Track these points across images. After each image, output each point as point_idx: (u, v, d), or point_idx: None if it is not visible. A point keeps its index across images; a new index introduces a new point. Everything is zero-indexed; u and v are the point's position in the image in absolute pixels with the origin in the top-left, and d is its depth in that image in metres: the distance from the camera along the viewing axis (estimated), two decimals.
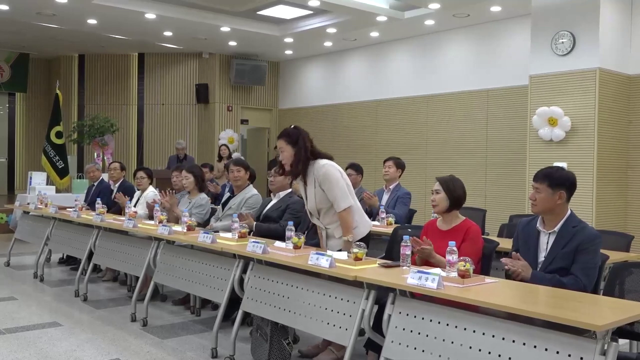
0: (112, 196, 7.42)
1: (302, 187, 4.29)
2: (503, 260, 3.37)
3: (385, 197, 6.30)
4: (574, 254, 3.25)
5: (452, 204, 3.88)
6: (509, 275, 3.37)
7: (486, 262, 3.81)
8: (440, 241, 3.82)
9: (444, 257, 3.36)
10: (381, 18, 9.62)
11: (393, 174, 6.31)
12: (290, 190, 5.36)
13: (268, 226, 5.10)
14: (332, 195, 4.08)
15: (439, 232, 3.92)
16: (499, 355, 2.70)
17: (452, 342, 2.88)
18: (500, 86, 9.47)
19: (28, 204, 8.44)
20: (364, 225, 4.23)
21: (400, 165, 6.37)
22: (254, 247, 4.06)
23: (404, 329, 3.12)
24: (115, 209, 7.12)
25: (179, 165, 7.78)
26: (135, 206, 6.71)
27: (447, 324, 2.94)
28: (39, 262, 7.08)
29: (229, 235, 4.69)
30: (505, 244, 4.16)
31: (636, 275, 3.20)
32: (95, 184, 7.89)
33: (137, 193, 7.05)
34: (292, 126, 4.38)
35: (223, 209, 5.86)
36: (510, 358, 2.66)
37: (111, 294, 6.34)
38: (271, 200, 5.41)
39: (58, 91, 11.91)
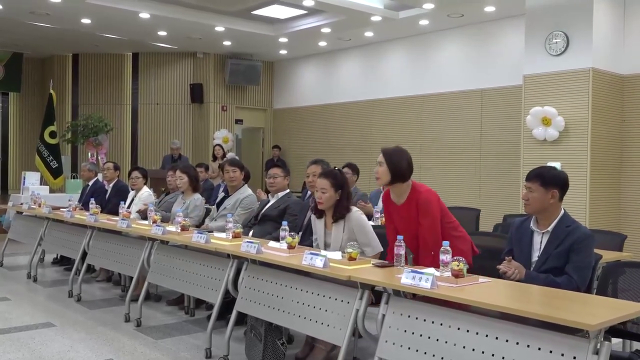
0: (107, 196, 7.41)
1: (319, 223, 4.29)
2: (498, 267, 3.37)
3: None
4: (567, 254, 3.26)
5: (394, 177, 3.80)
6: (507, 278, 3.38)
7: None
8: (396, 216, 3.88)
9: (404, 230, 3.54)
10: (376, 18, 9.62)
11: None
12: (288, 190, 5.37)
13: None
14: (366, 240, 4.09)
15: (395, 207, 3.92)
16: (493, 355, 2.70)
17: (446, 342, 2.89)
18: (494, 86, 9.48)
19: (21, 204, 8.41)
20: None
21: None
22: (248, 247, 4.06)
23: (397, 329, 3.12)
24: (109, 209, 7.08)
25: (174, 165, 7.76)
26: (129, 207, 6.70)
27: (441, 324, 2.94)
28: (33, 262, 7.06)
29: (223, 235, 4.68)
30: (499, 243, 4.15)
31: (629, 275, 3.22)
32: (90, 184, 7.86)
33: (132, 193, 7.03)
34: (336, 168, 4.34)
35: (218, 209, 5.85)
36: (503, 357, 2.67)
37: (105, 294, 6.33)
38: (269, 200, 5.41)
39: (52, 91, 11.88)
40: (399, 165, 3.79)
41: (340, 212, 4.15)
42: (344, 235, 4.13)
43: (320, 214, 4.28)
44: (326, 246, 4.23)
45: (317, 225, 4.33)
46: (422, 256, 3.76)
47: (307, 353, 4.20)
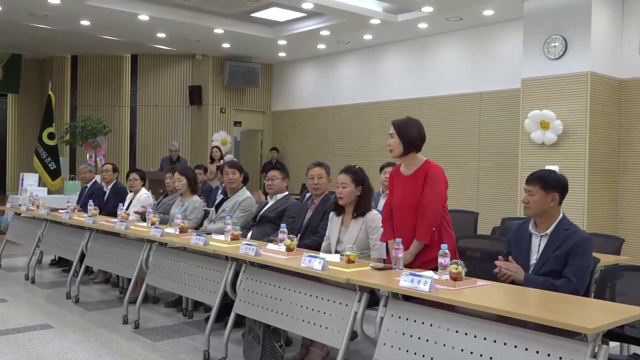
0: (105, 198, 7.40)
1: (336, 220, 4.30)
2: (497, 262, 3.38)
3: (382, 202, 6.29)
4: (565, 257, 3.27)
5: (406, 147, 3.84)
6: (499, 278, 3.39)
7: None
8: (403, 187, 3.86)
9: (402, 202, 3.59)
10: (374, 21, 9.64)
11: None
12: (287, 192, 5.38)
13: None
14: (376, 243, 4.10)
15: (402, 178, 3.91)
16: (491, 358, 2.71)
17: (444, 345, 2.89)
18: (492, 89, 9.50)
19: (20, 205, 8.40)
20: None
21: None
22: (247, 249, 4.06)
23: (396, 332, 3.12)
24: (108, 211, 7.07)
25: (173, 166, 7.76)
26: (127, 208, 6.69)
27: (439, 327, 2.94)
28: (31, 263, 7.05)
29: (221, 237, 4.68)
30: (497, 246, 4.17)
31: (627, 278, 3.22)
32: (88, 185, 7.85)
33: (130, 195, 7.03)
34: (357, 166, 4.35)
35: (216, 211, 5.85)
36: None
37: (103, 296, 6.32)
38: (268, 202, 5.42)
39: (50, 92, 11.89)
40: (410, 136, 3.83)
41: (361, 208, 4.19)
42: (359, 233, 4.16)
43: (339, 211, 4.30)
44: (338, 243, 4.25)
45: (333, 222, 4.34)
46: (420, 229, 3.70)
47: (304, 355, 4.21)
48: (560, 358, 2.50)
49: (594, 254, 3.41)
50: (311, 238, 4.65)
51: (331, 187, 4.81)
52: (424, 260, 3.70)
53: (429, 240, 3.66)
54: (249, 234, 5.21)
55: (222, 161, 9.94)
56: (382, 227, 4.03)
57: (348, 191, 4.19)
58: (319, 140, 12.67)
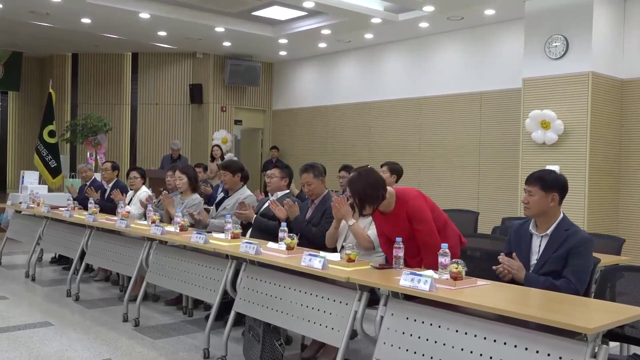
0: (106, 195, 7.40)
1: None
2: (500, 258, 3.38)
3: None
4: (566, 257, 3.27)
5: (363, 204, 3.67)
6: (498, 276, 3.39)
7: None
8: (387, 225, 3.85)
9: (401, 234, 3.52)
10: (375, 20, 9.63)
11: (387, 180, 6.25)
12: (287, 191, 5.38)
13: (267, 222, 5.07)
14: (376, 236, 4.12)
15: (383, 218, 3.86)
16: (490, 357, 2.71)
17: (444, 344, 2.89)
18: (493, 89, 9.49)
19: (20, 203, 8.40)
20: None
21: (395, 170, 6.16)
22: (247, 248, 4.06)
23: (396, 331, 3.12)
24: (109, 209, 7.07)
25: (174, 165, 7.76)
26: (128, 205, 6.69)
27: (439, 326, 2.95)
28: (31, 261, 7.05)
29: (221, 235, 4.68)
30: (497, 246, 4.17)
31: (627, 279, 3.22)
32: (88, 183, 7.85)
33: (130, 193, 7.03)
34: (369, 166, 4.29)
35: (217, 209, 5.85)
36: None
37: (103, 294, 6.32)
38: (268, 199, 5.42)
39: (51, 90, 11.88)
40: (363, 192, 3.65)
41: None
42: (367, 231, 4.17)
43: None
44: (345, 238, 4.27)
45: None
46: (426, 258, 3.72)
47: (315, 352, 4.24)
48: (560, 358, 2.50)
49: (595, 254, 3.41)
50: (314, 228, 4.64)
51: (331, 187, 4.81)
52: None
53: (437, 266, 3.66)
54: (248, 234, 5.21)
55: (222, 159, 9.94)
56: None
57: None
58: (319, 139, 12.67)
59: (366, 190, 3.64)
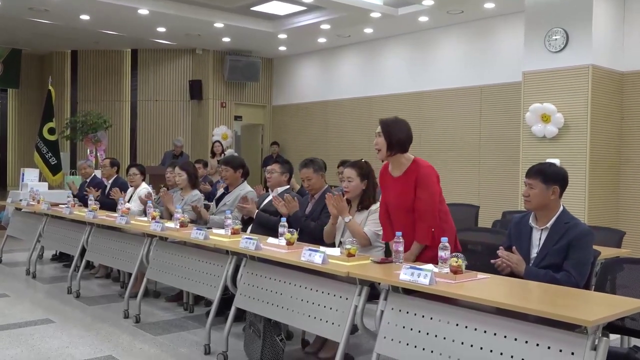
0: (106, 192, 7.39)
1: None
2: (499, 252, 3.38)
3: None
4: (566, 250, 3.26)
5: (391, 148, 3.77)
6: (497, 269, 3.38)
7: None
8: (393, 188, 3.85)
9: (397, 204, 3.55)
10: (375, 14, 9.61)
11: None
12: (288, 186, 5.37)
13: (268, 217, 5.07)
14: (373, 231, 4.13)
15: (392, 179, 3.89)
16: (491, 351, 2.71)
17: (444, 338, 2.89)
18: (493, 83, 9.47)
19: (20, 200, 8.40)
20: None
21: None
22: (247, 243, 4.06)
23: (396, 325, 3.12)
24: (109, 206, 7.06)
25: (174, 161, 7.75)
26: (128, 202, 6.69)
27: (439, 320, 2.94)
28: (31, 258, 7.05)
29: (222, 231, 4.68)
30: (497, 239, 4.16)
31: (627, 271, 3.22)
32: (88, 180, 7.85)
33: (130, 190, 7.02)
34: (364, 160, 4.35)
35: (217, 205, 5.85)
36: (502, 353, 2.67)
37: (104, 291, 6.33)
38: (268, 195, 5.41)
39: (51, 87, 11.87)
40: (396, 137, 3.76)
41: (366, 201, 4.21)
42: (363, 225, 4.17)
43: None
44: (343, 233, 4.27)
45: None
46: (420, 231, 3.71)
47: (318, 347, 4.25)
48: (561, 351, 2.50)
49: (595, 247, 3.40)
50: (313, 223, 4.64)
51: (331, 182, 4.80)
52: (424, 260, 3.70)
53: (429, 241, 3.66)
54: (249, 229, 5.20)
55: (223, 155, 9.93)
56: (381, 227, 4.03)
57: (354, 185, 4.20)
58: (319, 134, 12.66)
59: (401, 136, 3.77)
